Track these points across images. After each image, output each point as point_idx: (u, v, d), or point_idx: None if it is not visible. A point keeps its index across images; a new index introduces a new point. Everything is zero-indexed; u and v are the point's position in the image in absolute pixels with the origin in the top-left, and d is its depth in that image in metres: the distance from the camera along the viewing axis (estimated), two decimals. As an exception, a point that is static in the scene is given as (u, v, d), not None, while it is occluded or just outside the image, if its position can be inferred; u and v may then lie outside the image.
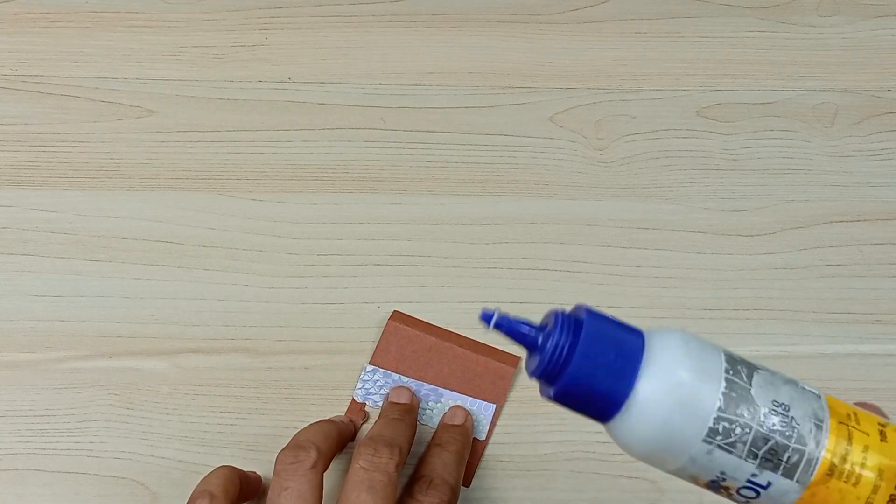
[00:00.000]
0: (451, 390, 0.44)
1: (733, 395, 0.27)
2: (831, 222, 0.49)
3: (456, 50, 0.52)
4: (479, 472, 0.43)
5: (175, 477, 0.43)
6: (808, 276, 0.48)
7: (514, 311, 0.37)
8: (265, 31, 0.53)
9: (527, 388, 0.45)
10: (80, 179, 0.49)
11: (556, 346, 0.27)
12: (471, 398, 0.44)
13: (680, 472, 0.28)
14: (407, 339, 0.45)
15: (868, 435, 0.28)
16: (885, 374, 0.46)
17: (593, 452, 0.44)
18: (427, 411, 0.44)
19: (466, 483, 0.43)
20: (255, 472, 0.42)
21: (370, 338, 0.45)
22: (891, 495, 0.27)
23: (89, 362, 0.45)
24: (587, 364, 0.27)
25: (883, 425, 0.28)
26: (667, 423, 0.27)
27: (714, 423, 0.27)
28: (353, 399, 0.44)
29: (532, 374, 0.29)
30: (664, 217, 0.48)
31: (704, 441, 0.27)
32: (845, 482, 0.27)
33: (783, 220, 0.49)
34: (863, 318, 0.47)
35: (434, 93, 0.51)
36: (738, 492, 0.28)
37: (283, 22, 0.53)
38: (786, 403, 0.27)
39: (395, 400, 0.43)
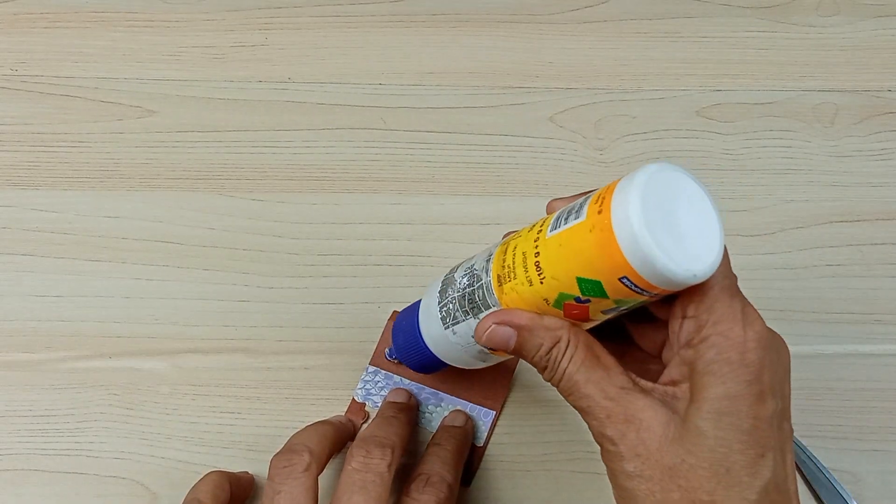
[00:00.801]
0: (451, 395, 0.44)
1: (444, 286, 0.35)
2: (831, 222, 0.49)
3: (456, 50, 0.52)
4: (479, 472, 0.43)
5: (175, 477, 0.43)
6: (807, 276, 0.48)
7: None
8: (265, 31, 0.53)
9: (527, 388, 0.45)
10: (80, 179, 0.49)
11: (393, 354, 0.41)
12: (471, 404, 0.44)
13: (491, 360, 0.36)
14: (407, 340, 0.45)
15: (520, 235, 0.33)
16: (885, 374, 0.46)
17: (593, 452, 0.44)
18: (427, 415, 0.44)
19: (466, 483, 0.43)
20: (246, 473, 0.42)
21: (370, 338, 0.45)
22: (536, 262, 0.31)
23: (89, 362, 0.45)
24: (402, 355, 0.39)
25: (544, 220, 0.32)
26: (435, 341, 0.36)
27: (440, 313, 0.35)
28: (354, 399, 0.44)
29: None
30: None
31: (446, 329, 0.35)
32: (509, 280, 0.32)
33: (783, 220, 0.49)
34: (863, 318, 0.47)
35: (434, 93, 0.51)
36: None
37: (283, 22, 0.53)
38: (473, 264, 0.34)
39: (391, 399, 0.43)
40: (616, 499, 0.31)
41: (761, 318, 0.30)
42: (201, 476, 0.40)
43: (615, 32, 0.53)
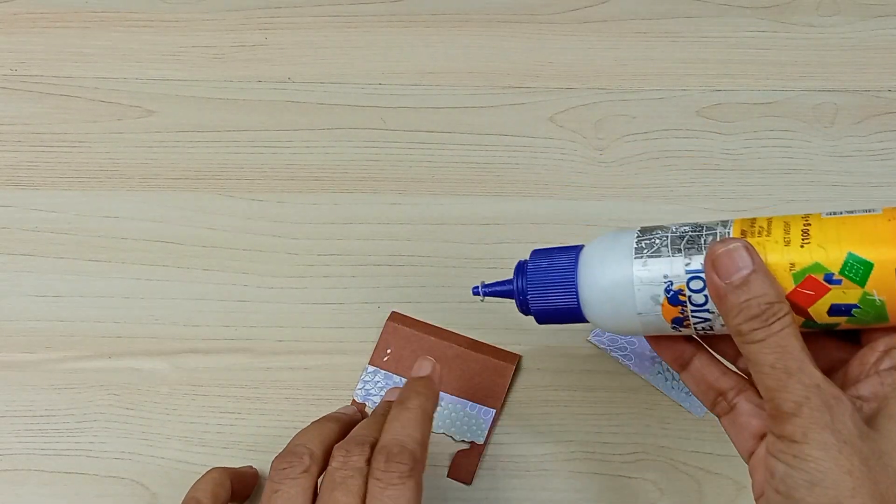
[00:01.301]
0: (451, 395, 0.44)
1: (645, 230, 0.34)
2: (831, 222, 0.49)
3: (456, 50, 0.52)
4: (479, 472, 0.43)
5: (175, 477, 0.43)
6: (808, 276, 0.47)
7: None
8: (265, 31, 0.53)
9: (527, 388, 0.45)
10: (80, 179, 0.49)
11: (519, 288, 0.37)
12: (471, 403, 0.44)
13: (649, 313, 0.34)
14: (405, 340, 0.45)
15: (769, 218, 0.33)
16: (885, 374, 0.46)
17: (593, 452, 0.44)
18: (427, 412, 0.44)
19: (467, 481, 0.43)
20: (250, 467, 0.42)
21: (370, 338, 0.45)
22: (804, 229, 0.31)
23: (89, 362, 0.45)
24: (537, 294, 0.36)
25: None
26: (601, 277, 0.34)
27: (637, 244, 0.34)
28: (354, 399, 0.44)
29: (524, 314, 0.37)
30: (664, 217, 0.48)
31: (636, 258, 0.33)
32: (758, 235, 0.32)
33: (783, 220, 0.48)
34: (863, 318, 0.47)
35: (434, 93, 0.51)
36: (689, 291, 0.33)
37: (283, 22, 0.53)
38: (695, 221, 0.34)
39: (388, 400, 0.43)
40: (771, 485, 0.31)
41: None
42: (202, 476, 0.40)
43: (615, 32, 0.53)
